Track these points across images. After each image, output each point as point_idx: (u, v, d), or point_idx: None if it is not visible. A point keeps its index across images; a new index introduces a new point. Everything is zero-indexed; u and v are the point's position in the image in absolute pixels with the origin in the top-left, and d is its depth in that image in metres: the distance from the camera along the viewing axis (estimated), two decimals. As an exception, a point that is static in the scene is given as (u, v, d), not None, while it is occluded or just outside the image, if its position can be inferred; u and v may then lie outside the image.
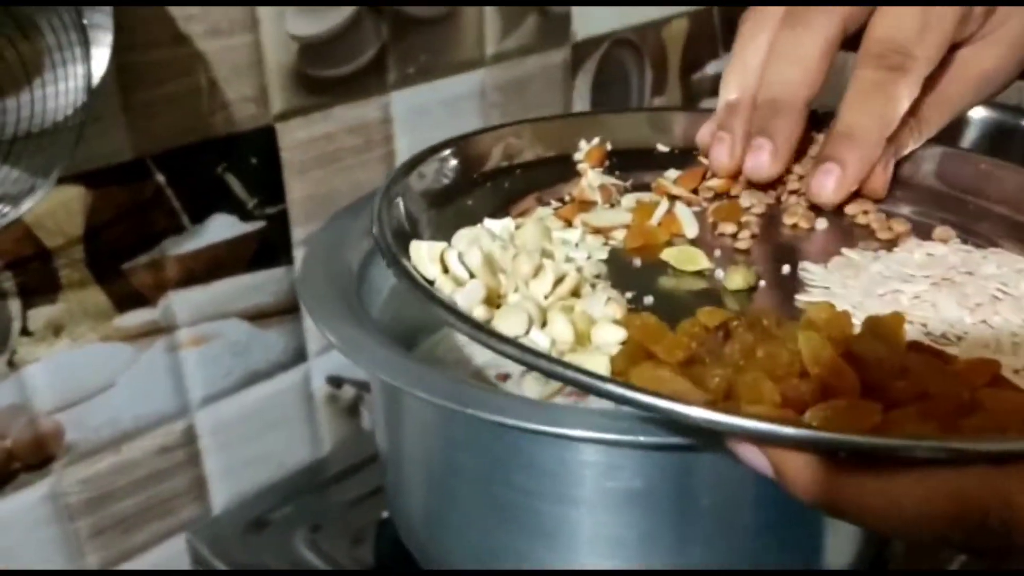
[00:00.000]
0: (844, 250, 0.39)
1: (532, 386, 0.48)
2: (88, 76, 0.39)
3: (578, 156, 0.46)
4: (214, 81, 0.50)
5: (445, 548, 0.43)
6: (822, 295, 0.36)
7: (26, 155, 0.39)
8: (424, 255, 0.35)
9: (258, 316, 0.58)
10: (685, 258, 0.38)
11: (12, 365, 0.48)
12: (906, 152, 0.42)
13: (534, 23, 0.65)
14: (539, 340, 0.32)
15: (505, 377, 0.50)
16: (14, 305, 0.48)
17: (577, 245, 0.39)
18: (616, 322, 0.33)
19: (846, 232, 0.41)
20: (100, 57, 0.41)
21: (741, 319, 0.31)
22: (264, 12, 0.51)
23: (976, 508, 0.21)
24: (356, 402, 0.65)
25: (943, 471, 0.22)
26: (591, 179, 0.43)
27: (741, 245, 0.39)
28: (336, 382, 0.63)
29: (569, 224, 0.41)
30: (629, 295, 0.36)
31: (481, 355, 0.52)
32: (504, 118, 0.66)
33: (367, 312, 0.41)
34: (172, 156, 0.50)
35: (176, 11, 0.47)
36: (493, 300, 0.34)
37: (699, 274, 0.38)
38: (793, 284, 0.38)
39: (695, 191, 0.44)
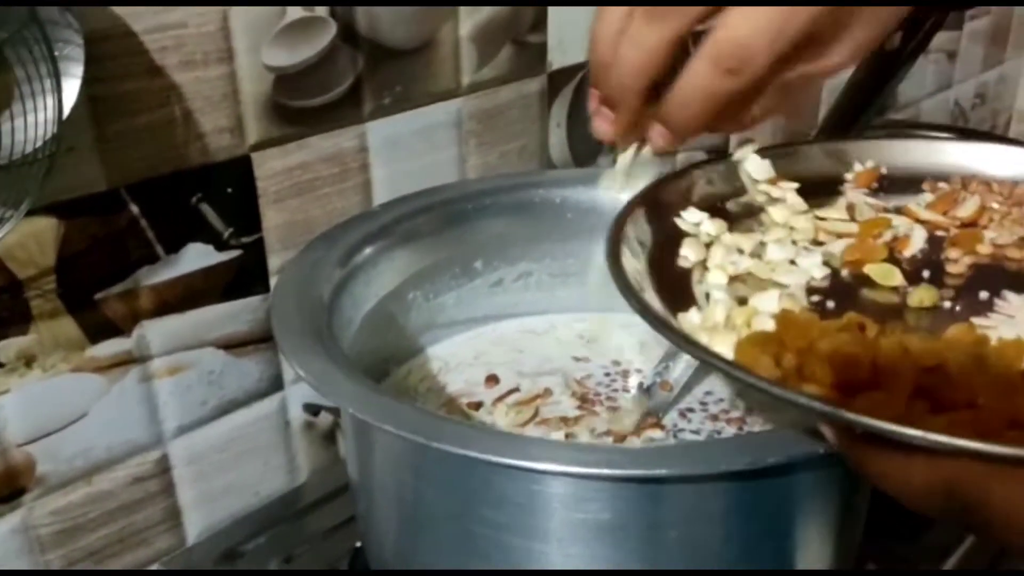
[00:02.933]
0: None
1: (503, 415, 0.48)
2: (58, 108, 0.39)
3: (848, 176, 0.46)
4: (189, 112, 0.50)
5: (417, 580, 0.43)
6: (1003, 321, 0.36)
7: (-4, 187, 0.39)
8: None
9: (234, 345, 0.57)
10: (883, 273, 0.39)
11: (-17, 396, 0.48)
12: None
13: (510, 53, 0.65)
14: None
15: (477, 406, 0.50)
16: (-15, 336, 0.47)
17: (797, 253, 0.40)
18: (772, 316, 0.34)
19: None
20: (71, 89, 0.41)
21: (882, 326, 0.32)
22: (239, 43, 0.51)
23: (963, 492, 0.27)
24: (333, 429, 0.65)
25: (947, 461, 0.27)
26: (851, 198, 0.44)
27: (954, 269, 0.39)
28: (313, 409, 0.63)
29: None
30: (815, 299, 0.37)
31: (453, 384, 0.52)
32: (480, 147, 0.66)
33: (337, 343, 0.41)
34: (146, 186, 0.50)
35: (150, 42, 0.47)
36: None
37: (894, 290, 0.38)
38: (981, 309, 0.37)
39: (944, 215, 0.43)
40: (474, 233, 0.55)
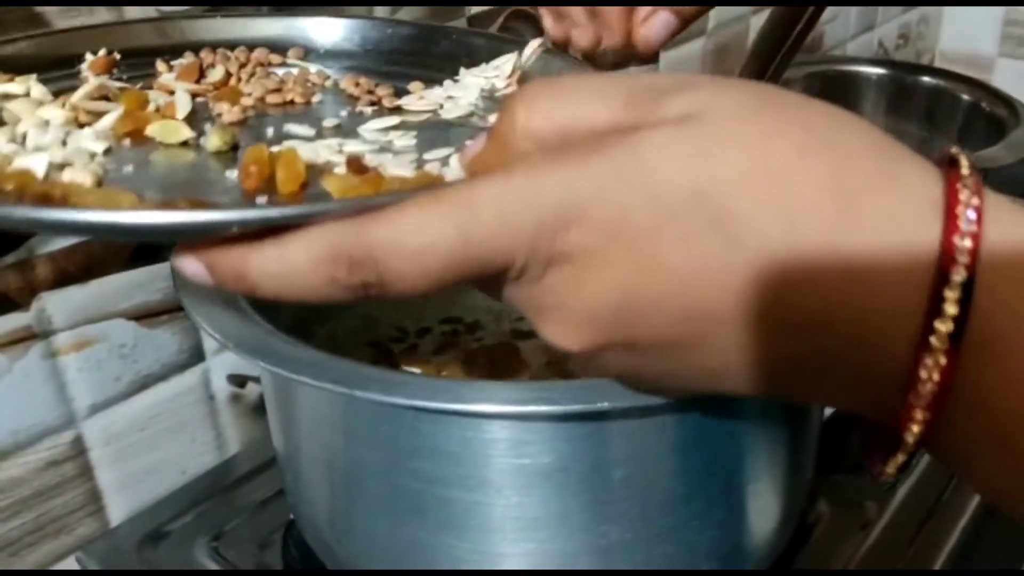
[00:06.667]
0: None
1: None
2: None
3: (83, 67, 0.42)
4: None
5: (352, 547, 0.40)
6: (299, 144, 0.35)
7: None
8: None
9: (146, 315, 0.54)
10: (168, 131, 0.36)
11: None
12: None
13: (425, -7, 0.62)
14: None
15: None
16: None
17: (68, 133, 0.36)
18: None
19: (341, 102, 0.41)
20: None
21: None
22: None
23: (346, 257, 0.24)
24: (262, 401, 0.61)
25: (321, 228, 0.24)
26: (93, 83, 0.40)
27: (228, 118, 0.38)
28: (239, 380, 0.60)
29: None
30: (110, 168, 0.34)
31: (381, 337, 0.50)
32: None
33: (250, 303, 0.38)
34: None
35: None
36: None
37: (186, 145, 0.36)
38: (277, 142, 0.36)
39: (197, 84, 0.42)
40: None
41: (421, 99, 0.40)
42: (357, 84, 0.42)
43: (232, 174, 0.32)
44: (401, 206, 0.24)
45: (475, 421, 0.32)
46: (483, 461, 0.33)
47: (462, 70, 0.42)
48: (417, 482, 0.35)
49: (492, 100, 0.40)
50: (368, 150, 0.34)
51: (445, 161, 0.33)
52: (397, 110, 0.40)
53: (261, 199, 0.30)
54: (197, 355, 0.57)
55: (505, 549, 0.36)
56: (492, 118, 0.37)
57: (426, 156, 0.34)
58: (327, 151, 0.34)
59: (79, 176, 0.31)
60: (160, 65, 0.43)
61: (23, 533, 0.52)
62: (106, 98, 0.39)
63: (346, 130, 0.37)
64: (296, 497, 0.43)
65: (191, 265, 0.26)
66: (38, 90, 0.38)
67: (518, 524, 0.35)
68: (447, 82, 0.42)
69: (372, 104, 0.40)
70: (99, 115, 0.37)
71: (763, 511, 0.41)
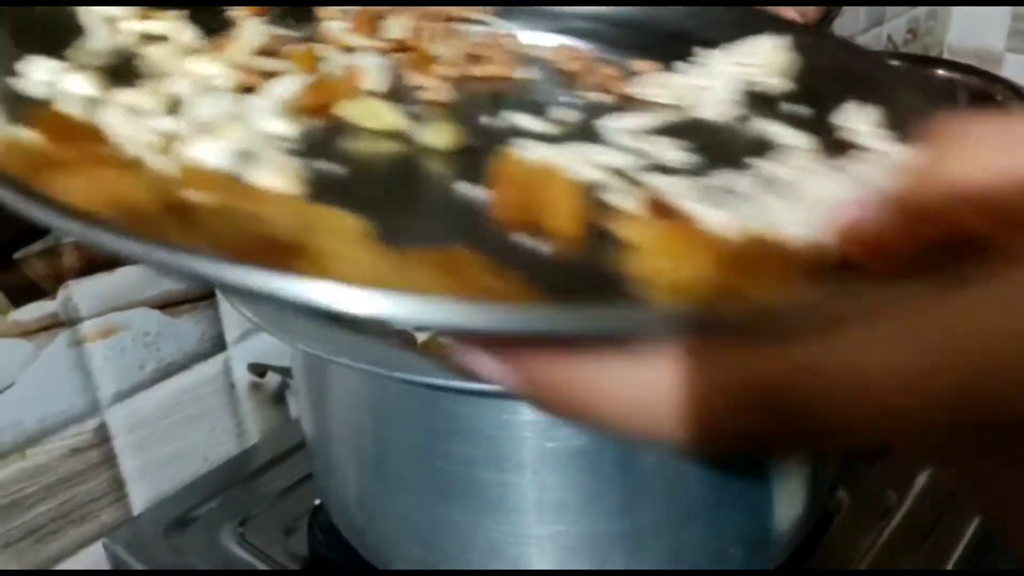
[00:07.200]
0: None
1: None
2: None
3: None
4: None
5: (383, 530, 0.40)
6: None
7: None
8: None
9: (169, 304, 0.54)
10: (370, 113, 0.27)
11: None
12: None
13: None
14: None
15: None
16: None
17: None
18: None
19: (556, 82, 0.31)
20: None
21: None
22: None
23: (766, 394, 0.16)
24: (281, 390, 0.62)
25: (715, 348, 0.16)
26: (249, 29, 0.30)
27: (436, 95, 0.29)
28: (259, 370, 0.60)
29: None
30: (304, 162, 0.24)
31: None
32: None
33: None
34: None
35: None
36: None
37: (390, 135, 0.27)
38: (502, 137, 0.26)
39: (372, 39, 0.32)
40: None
41: (661, 87, 0.30)
42: (576, 58, 0.31)
43: (467, 189, 0.23)
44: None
45: (512, 403, 0.33)
46: (518, 443, 0.34)
47: (701, 51, 0.30)
48: (452, 464, 0.35)
49: (757, 98, 0.29)
50: (632, 165, 0.25)
51: (748, 198, 0.23)
52: (630, 100, 0.30)
53: (522, 235, 0.21)
54: (219, 344, 0.58)
55: (537, 531, 0.36)
56: (883, 148, 0.25)
57: (714, 181, 0.24)
58: (580, 164, 0.24)
59: (275, 180, 0.22)
60: (324, 9, 0.31)
61: (48, 519, 0.52)
62: (268, 54, 0.29)
63: (582, 127, 0.27)
64: (326, 480, 0.43)
65: (494, 369, 0.18)
66: (188, 33, 0.28)
67: (550, 506, 0.36)
68: (680, 64, 0.30)
69: (599, 89, 0.30)
70: (268, 78, 0.27)
71: (790, 498, 0.41)
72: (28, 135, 0.21)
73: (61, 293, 0.49)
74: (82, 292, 0.50)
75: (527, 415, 0.33)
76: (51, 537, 0.53)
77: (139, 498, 0.56)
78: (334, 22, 0.31)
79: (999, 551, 0.51)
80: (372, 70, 0.28)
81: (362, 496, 0.41)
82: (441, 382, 0.31)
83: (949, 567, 0.48)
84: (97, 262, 0.50)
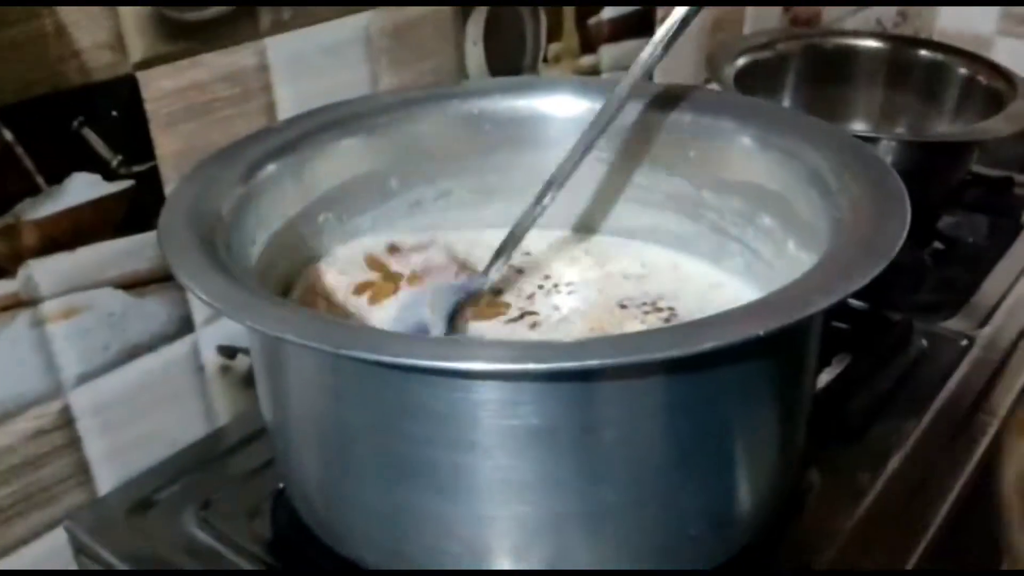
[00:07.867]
0: None
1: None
2: None
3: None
4: (61, 25, 0.46)
5: (341, 512, 0.40)
6: None
7: None
8: None
9: (134, 284, 0.53)
10: None
11: None
12: None
13: (417, -39, 0.61)
14: None
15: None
16: None
17: None
18: None
19: None
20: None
21: None
22: (114, -52, 0.46)
23: None
24: (251, 372, 0.61)
25: None
26: None
27: None
28: (228, 352, 0.59)
29: None
30: None
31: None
32: (393, 65, 0.62)
33: (238, 260, 0.38)
34: (18, 109, 0.45)
35: (9, -54, 0.43)
36: None
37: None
38: None
39: None
40: (387, 149, 0.51)
41: None
42: None
43: None
44: None
45: (464, 381, 0.32)
46: (472, 422, 0.33)
47: None
48: (405, 444, 0.34)
49: None
50: None
51: None
52: None
53: None
54: (186, 326, 0.57)
55: (495, 512, 0.36)
56: None
57: None
58: None
59: None
60: None
61: (12, 502, 0.51)
62: None
63: None
64: (286, 464, 0.42)
65: None
66: None
67: (508, 486, 0.35)
68: None
69: None
70: None
71: (755, 478, 0.40)
72: None
73: (21, 272, 0.48)
74: (43, 271, 0.49)
75: (480, 393, 0.32)
76: (15, 519, 0.52)
77: (105, 481, 0.55)
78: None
79: (972, 531, 0.50)
80: None
81: (320, 479, 0.40)
82: (389, 359, 0.30)
83: (920, 550, 0.47)
84: (58, 241, 0.49)
